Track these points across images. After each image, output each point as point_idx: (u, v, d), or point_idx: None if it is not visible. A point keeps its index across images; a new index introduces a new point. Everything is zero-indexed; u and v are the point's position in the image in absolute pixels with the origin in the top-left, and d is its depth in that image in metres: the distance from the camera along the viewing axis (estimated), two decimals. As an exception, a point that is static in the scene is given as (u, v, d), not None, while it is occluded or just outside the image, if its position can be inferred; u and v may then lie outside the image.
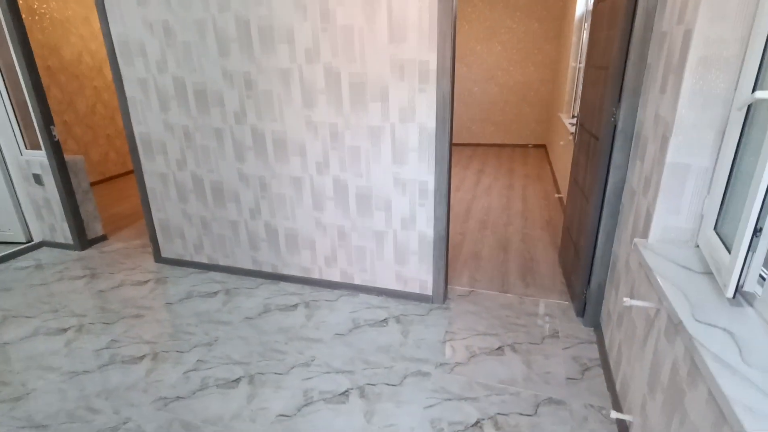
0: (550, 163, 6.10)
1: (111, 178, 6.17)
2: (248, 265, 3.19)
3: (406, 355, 2.28)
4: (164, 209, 3.29)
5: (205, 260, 3.32)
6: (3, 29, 3.23)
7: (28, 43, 3.28)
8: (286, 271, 3.09)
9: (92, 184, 5.87)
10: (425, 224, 2.61)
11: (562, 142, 3.71)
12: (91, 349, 2.45)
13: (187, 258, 3.38)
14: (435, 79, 2.29)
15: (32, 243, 3.84)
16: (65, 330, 2.63)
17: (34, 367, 2.31)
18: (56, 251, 3.79)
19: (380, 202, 2.66)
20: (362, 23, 2.33)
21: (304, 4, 2.39)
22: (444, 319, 2.58)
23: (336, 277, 2.96)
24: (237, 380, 2.16)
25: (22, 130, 3.56)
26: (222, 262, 3.27)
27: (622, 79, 2.01)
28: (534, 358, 2.21)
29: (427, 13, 2.20)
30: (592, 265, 2.36)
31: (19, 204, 3.75)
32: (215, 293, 3.00)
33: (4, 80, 3.40)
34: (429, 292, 2.75)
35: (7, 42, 3.26)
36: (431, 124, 2.38)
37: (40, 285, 3.19)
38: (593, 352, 2.24)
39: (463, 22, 7.04)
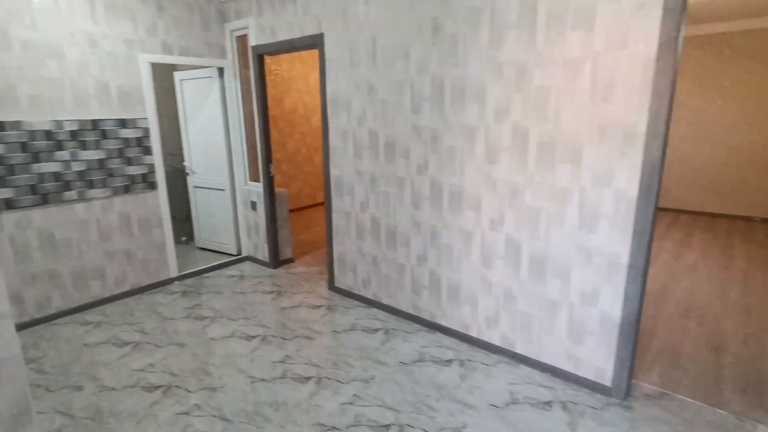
0: (783, 245, 4.80)
1: (302, 208, 7.17)
2: (408, 309, 3.26)
3: (574, 454, 1.97)
4: (343, 244, 3.63)
5: (370, 296, 3.52)
6: (251, 88, 4.12)
7: (266, 98, 4.10)
8: (443, 323, 3.05)
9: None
10: (611, 303, 2.27)
11: (810, 223, 2.86)
12: (269, 360, 2.78)
13: (356, 291, 3.63)
14: (642, 143, 2.04)
15: (240, 256, 4.66)
16: (253, 338, 3.06)
17: (228, 365, 2.72)
18: (255, 266, 4.51)
19: (557, 270, 2.44)
20: (561, 84, 2.24)
21: (499, 65, 2.43)
22: (624, 421, 2.16)
23: (496, 340, 2.79)
24: (387, 426, 2.17)
25: (250, 166, 4.41)
26: (385, 301, 3.42)
27: None
28: None
29: (640, 73, 1.99)
30: None
31: (237, 224, 4.62)
32: (376, 330, 3.12)
33: (245, 127, 4.31)
34: (607, 382, 2.36)
35: (252, 98, 4.14)
36: (632, 191, 2.11)
37: (240, 293, 3.82)
38: None
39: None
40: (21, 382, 1.47)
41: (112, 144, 3.52)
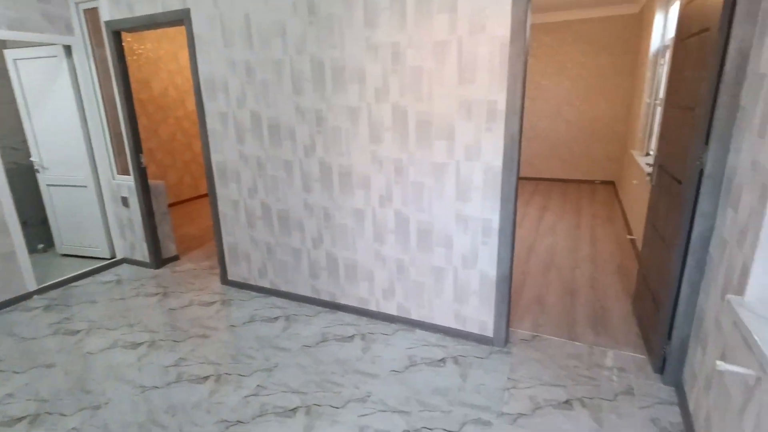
0: (620, 202, 5.78)
1: (184, 201, 6.64)
2: (308, 293, 3.26)
3: (465, 401, 2.19)
4: (233, 234, 3.47)
5: (267, 285, 3.44)
6: (109, 69, 3.65)
7: (129, 80, 3.67)
8: (343, 301, 3.12)
9: (168, 206, 6.34)
10: (488, 264, 2.54)
11: (635, 182, 3.51)
12: (161, 365, 2.58)
13: (252, 282, 3.52)
14: (503, 119, 2.28)
15: (115, 259, 4.18)
16: (139, 345, 2.81)
17: (112, 378, 2.47)
18: (134, 268, 4.09)
19: (441, 239, 2.64)
20: (432, 65, 2.38)
21: (375, 46, 2.50)
22: (505, 365, 2.46)
23: (393, 310, 2.95)
24: (294, 410, 2.18)
25: (116, 157, 3.94)
26: (283, 288, 3.37)
27: (710, 122, 1.88)
28: (606, 416, 2.04)
29: (498, 55, 2.21)
30: (673, 318, 2.17)
31: (107, 224, 4.12)
32: (276, 318, 3.08)
33: (106, 113, 3.82)
34: (489, 333, 2.66)
35: (111, 80, 3.67)
36: (497, 163, 2.36)
37: (119, 299, 3.45)
38: (675, 415, 2.03)
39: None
40: None
41: None
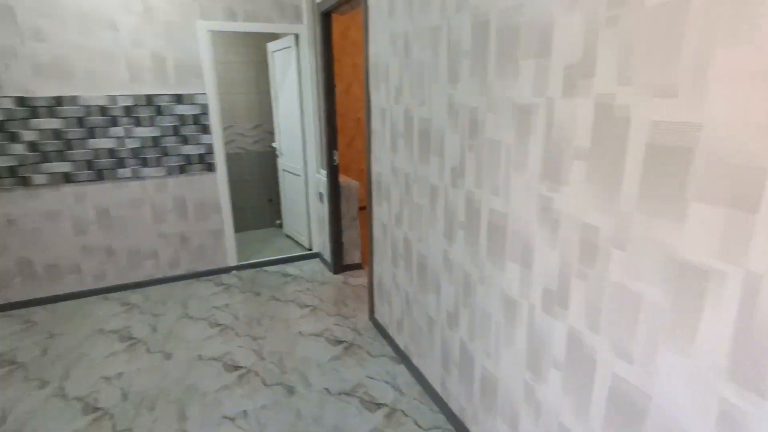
0: None
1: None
2: (436, 385, 2.15)
3: None
4: (381, 264, 2.68)
5: (402, 345, 2.52)
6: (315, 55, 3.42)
7: (332, 67, 3.35)
8: (474, 429, 1.86)
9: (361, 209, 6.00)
10: None
11: None
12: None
13: (390, 332, 2.67)
14: None
15: (311, 252, 4.14)
16: (236, 368, 2.45)
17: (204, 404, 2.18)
18: (320, 267, 3.92)
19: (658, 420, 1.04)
20: (721, -16, 0.82)
21: (579, -35, 1.10)
22: None
23: (540, 506, 1.50)
24: None
25: (324, 150, 3.77)
26: (414, 360, 2.37)
27: None
28: None
29: None
30: None
31: (309, 217, 4.08)
32: (378, 407, 2.13)
33: (319, 104, 3.66)
34: None
35: (317, 70, 3.44)
36: None
37: (276, 300, 3.26)
38: None
39: None
40: None
41: (166, 121, 3.32)
